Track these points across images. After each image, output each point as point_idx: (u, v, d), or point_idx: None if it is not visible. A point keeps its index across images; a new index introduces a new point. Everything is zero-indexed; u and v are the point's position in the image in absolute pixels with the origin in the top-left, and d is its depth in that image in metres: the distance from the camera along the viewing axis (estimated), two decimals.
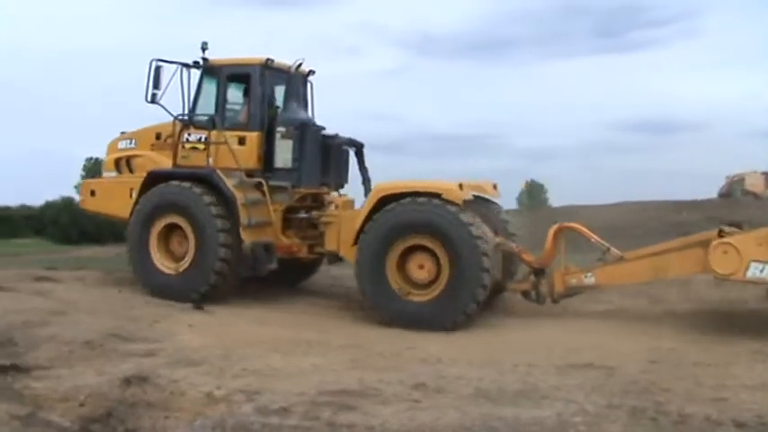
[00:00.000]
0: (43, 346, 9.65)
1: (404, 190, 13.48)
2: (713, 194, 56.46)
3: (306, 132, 15.02)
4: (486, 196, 14.73)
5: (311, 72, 16.15)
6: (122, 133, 16.64)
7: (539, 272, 13.53)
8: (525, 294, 13.81)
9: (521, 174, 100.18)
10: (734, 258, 11.30)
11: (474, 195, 14.06)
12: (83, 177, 37.02)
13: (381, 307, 13.32)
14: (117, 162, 16.33)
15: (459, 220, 12.85)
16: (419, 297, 13.14)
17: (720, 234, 11.94)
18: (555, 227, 13.54)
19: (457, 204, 13.02)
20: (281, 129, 14.91)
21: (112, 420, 6.77)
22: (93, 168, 40.84)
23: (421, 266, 13.29)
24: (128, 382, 7.88)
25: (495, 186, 15.03)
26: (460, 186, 13.25)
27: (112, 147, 16.71)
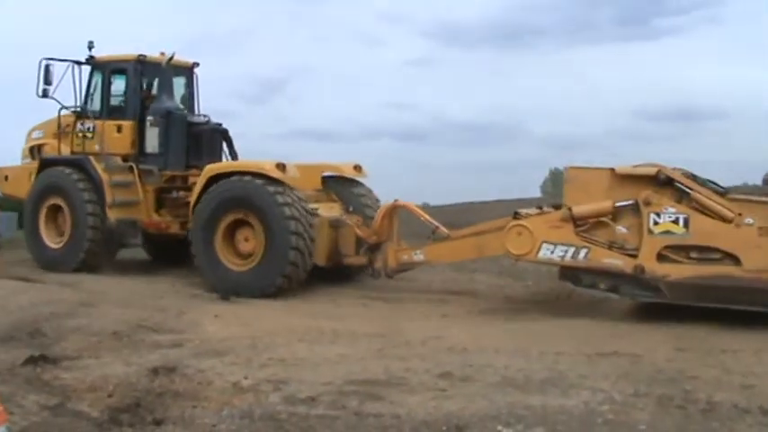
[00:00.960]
0: (71, 336, 9.73)
1: (228, 169, 15.11)
2: (753, 181, 56.05)
3: (171, 120, 16.75)
4: (348, 176, 16.33)
5: (195, 64, 18.18)
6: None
7: (374, 247, 14.30)
8: (363, 268, 14.87)
9: (545, 162, 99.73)
10: (527, 239, 11.98)
11: (335, 176, 16.27)
12: None
13: (209, 275, 14.70)
14: (31, 150, 18.64)
15: (271, 196, 14.04)
16: (241, 267, 14.48)
17: (516, 216, 12.54)
18: (386, 205, 14.59)
19: (278, 182, 14.26)
20: (149, 117, 16.77)
21: (141, 410, 6.79)
22: None
23: (246, 239, 14.61)
24: (155, 372, 7.92)
25: (356, 167, 16.44)
26: (278, 166, 14.45)
27: (29, 136, 19.04)
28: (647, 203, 11.27)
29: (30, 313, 10.88)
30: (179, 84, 17.99)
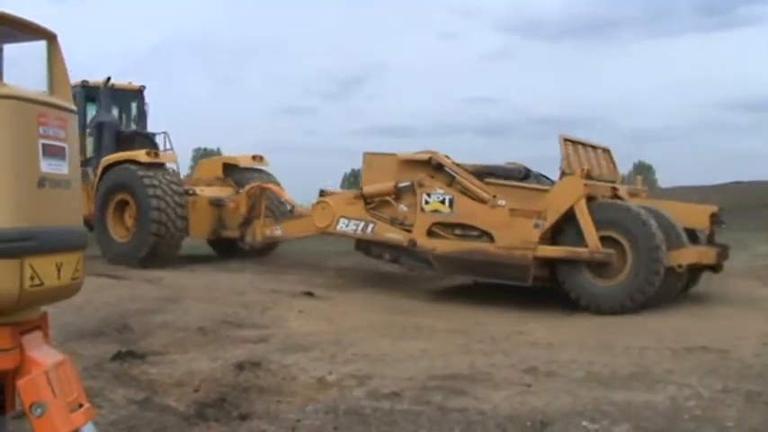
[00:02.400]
0: (157, 332, 9.85)
1: (116, 159, 17.84)
2: None
3: (102, 130, 19.62)
4: (249, 165, 19.39)
5: (143, 87, 21.09)
6: None
7: (245, 223, 16.80)
8: (236, 241, 17.27)
9: (629, 156, 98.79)
10: (328, 214, 14.13)
11: (236, 165, 19.36)
12: (191, 168, 38.64)
13: (101, 244, 17.69)
14: None
15: (140, 179, 16.90)
16: (122, 239, 17.52)
17: (322, 193, 14.82)
18: (248, 186, 17.34)
19: (153, 168, 17.29)
20: (87, 129, 19.70)
21: (226, 405, 6.85)
22: (202, 158, 42.42)
23: (130, 216, 17.43)
24: (240, 367, 7.99)
25: (254, 157, 19.59)
26: (149, 153, 17.53)
27: None
28: (421, 185, 13.04)
29: (116, 309, 11.05)
30: (132, 105, 21.20)
